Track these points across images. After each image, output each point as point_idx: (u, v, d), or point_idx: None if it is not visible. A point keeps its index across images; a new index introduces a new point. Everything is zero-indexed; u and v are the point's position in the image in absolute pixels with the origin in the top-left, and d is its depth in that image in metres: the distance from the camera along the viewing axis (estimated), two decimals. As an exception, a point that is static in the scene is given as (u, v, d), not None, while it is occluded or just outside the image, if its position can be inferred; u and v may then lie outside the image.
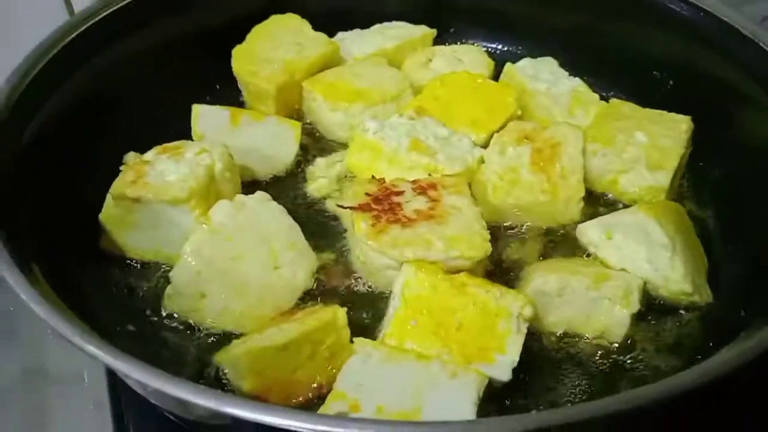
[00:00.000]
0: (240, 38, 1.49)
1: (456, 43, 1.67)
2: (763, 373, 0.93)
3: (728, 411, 1.08)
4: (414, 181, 1.21)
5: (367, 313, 1.14)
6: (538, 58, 1.53)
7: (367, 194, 1.19)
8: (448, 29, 1.68)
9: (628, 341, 1.11)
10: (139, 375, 0.77)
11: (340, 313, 1.04)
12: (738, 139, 1.29)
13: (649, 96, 1.45)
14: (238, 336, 1.10)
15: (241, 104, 1.51)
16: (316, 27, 1.53)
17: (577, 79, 1.48)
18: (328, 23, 1.57)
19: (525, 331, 1.02)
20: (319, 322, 1.02)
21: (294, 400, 1.01)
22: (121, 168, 1.20)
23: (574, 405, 0.74)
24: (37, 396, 1.22)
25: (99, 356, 0.80)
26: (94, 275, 1.15)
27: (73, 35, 1.28)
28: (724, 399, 1.04)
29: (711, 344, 1.08)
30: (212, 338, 1.11)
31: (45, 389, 1.23)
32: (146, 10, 1.41)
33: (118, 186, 1.17)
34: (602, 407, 0.72)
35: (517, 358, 1.00)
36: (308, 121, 1.48)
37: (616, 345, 1.11)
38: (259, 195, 1.18)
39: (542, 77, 1.47)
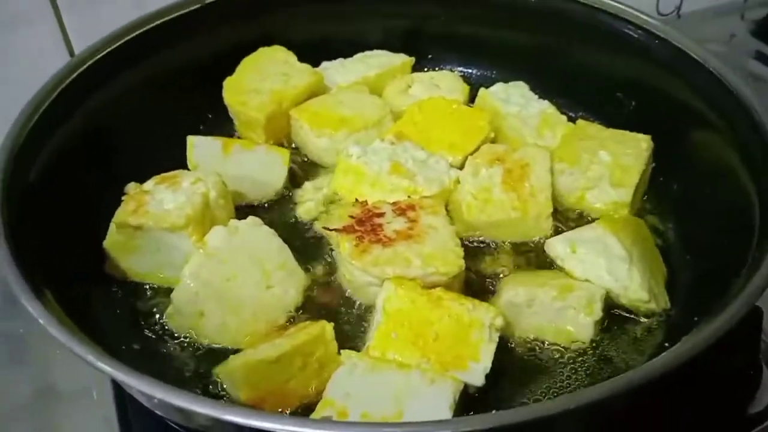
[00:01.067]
0: (230, 70, 1.58)
1: (434, 69, 1.77)
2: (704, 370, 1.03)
3: (671, 405, 1.18)
4: (394, 203, 1.30)
5: (353, 326, 1.23)
6: (510, 83, 1.62)
7: (351, 216, 1.28)
8: (426, 56, 1.78)
9: (593, 346, 1.20)
10: (146, 388, 0.86)
11: (328, 328, 1.13)
12: (692, 155, 1.39)
13: (613, 116, 1.56)
14: (234, 351, 1.19)
15: (232, 132, 1.61)
16: (302, 57, 1.62)
17: (545, 101, 1.57)
18: (313, 53, 1.66)
19: (496, 339, 1.11)
20: (309, 336, 1.11)
21: (287, 409, 1.10)
22: (123, 198, 1.29)
23: (526, 405, 0.83)
24: (49, 413, 1.29)
25: (112, 373, 0.89)
26: (100, 298, 1.24)
27: (74, 75, 1.36)
28: (667, 393, 1.13)
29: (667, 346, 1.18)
30: (211, 353, 1.19)
31: (56, 407, 1.31)
32: (142, 47, 1.49)
33: (120, 215, 1.25)
34: (545, 408, 0.82)
35: (489, 365, 1.09)
36: (296, 147, 1.58)
37: (582, 350, 1.20)
38: (251, 220, 1.27)
39: (513, 100, 1.57)
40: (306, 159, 1.56)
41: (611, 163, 1.39)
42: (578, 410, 0.83)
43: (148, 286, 1.30)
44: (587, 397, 0.84)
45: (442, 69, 1.77)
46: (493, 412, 0.85)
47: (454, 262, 1.19)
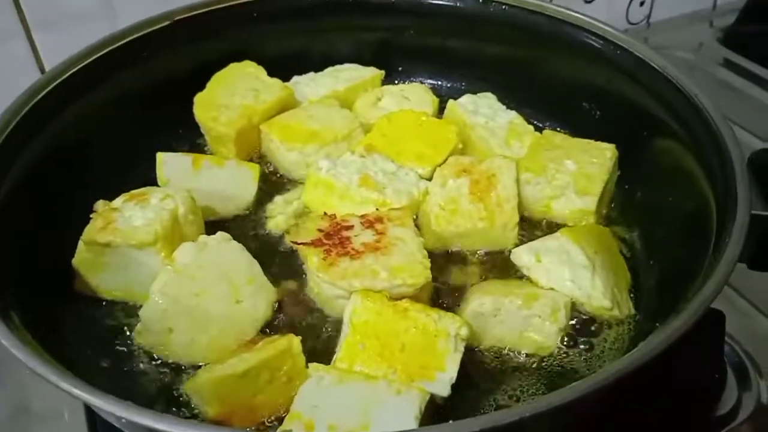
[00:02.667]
0: (201, 86, 1.59)
1: (404, 82, 1.80)
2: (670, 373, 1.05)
3: (639, 408, 1.19)
4: (362, 216, 1.32)
5: (322, 340, 1.24)
6: (479, 94, 1.64)
7: (319, 230, 1.29)
8: (397, 69, 1.80)
9: (559, 353, 1.22)
10: (108, 407, 0.87)
11: (295, 342, 1.14)
12: (655, 163, 1.41)
13: (580, 126, 1.59)
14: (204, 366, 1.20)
15: (204, 147, 1.62)
16: (273, 72, 1.63)
17: (513, 112, 1.59)
18: (284, 68, 1.68)
19: (462, 349, 1.12)
20: (276, 350, 1.12)
21: (256, 423, 1.11)
22: (92, 216, 1.29)
23: (485, 414, 0.84)
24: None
25: (73, 393, 0.89)
26: (69, 316, 1.23)
27: (44, 92, 1.36)
28: (635, 397, 1.16)
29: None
30: (180, 369, 1.20)
31: (30, 427, 1.32)
32: (113, 64, 1.49)
33: (89, 232, 1.26)
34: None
35: (455, 375, 1.10)
36: (267, 161, 1.59)
37: (549, 357, 1.21)
38: (220, 235, 1.28)
39: (481, 112, 1.59)
40: (277, 173, 1.57)
41: (576, 172, 1.41)
42: (535, 418, 0.85)
43: (117, 304, 1.30)
44: (545, 404, 0.86)
45: (412, 82, 1.80)
46: (450, 421, 0.85)
47: (420, 273, 1.20)
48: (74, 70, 1.44)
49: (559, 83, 1.63)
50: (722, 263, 1.01)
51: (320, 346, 1.22)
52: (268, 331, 1.25)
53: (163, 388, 1.18)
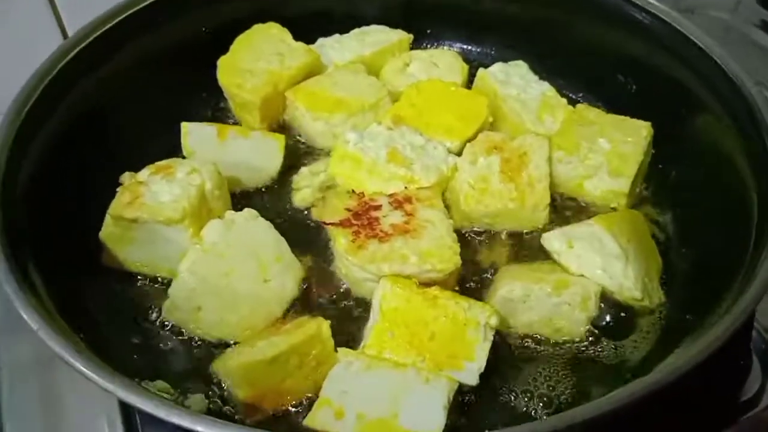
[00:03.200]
0: (224, 48, 1.54)
1: (433, 45, 1.75)
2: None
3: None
4: (391, 195, 1.30)
5: (349, 320, 1.23)
6: (510, 63, 1.58)
7: (347, 209, 1.28)
8: (425, 31, 1.74)
9: (588, 341, 1.21)
10: (143, 405, 0.88)
11: (324, 326, 1.14)
12: (692, 143, 1.38)
13: (614, 99, 1.54)
14: (234, 343, 1.20)
15: (227, 111, 1.59)
16: (297, 33, 1.58)
17: (545, 83, 1.54)
18: (309, 29, 1.63)
19: (491, 338, 1.12)
20: (305, 335, 1.12)
21: (285, 406, 1.12)
22: (118, 189, 1.28)
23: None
24: (49, 377, 1.29)
25: (102, 384, 0.90)
26: (98, 293, 1.24)
27: (67, 59, 1.33)
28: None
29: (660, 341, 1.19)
30: (210, 346, 1.20)
31: (56, 371, 1.29)
32: (135, 27, 1.46)
33: (115, 207, 1.24)
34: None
35: (483, 364, 1.10)
36: (292, 128, 1.56)
37: (576, 344, 1.21)
38: (247, 212, 1.26)
39: (513, 82, 1.54)
40: (302, 141, 1.54)
41: (610, 151, 1.38)
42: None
43: (146, 279, 1.30)
44: (579, 415, 0.85)
45: (441, 46, 1.74)
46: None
47: (450, 258, 1.19)
48: (98, 33, 1.40)
49: (593, 52, 1.57)
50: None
51: (348, 327, 1.22)
52: (290, 308, 1.24)
53: (193, 365, 1.19)
